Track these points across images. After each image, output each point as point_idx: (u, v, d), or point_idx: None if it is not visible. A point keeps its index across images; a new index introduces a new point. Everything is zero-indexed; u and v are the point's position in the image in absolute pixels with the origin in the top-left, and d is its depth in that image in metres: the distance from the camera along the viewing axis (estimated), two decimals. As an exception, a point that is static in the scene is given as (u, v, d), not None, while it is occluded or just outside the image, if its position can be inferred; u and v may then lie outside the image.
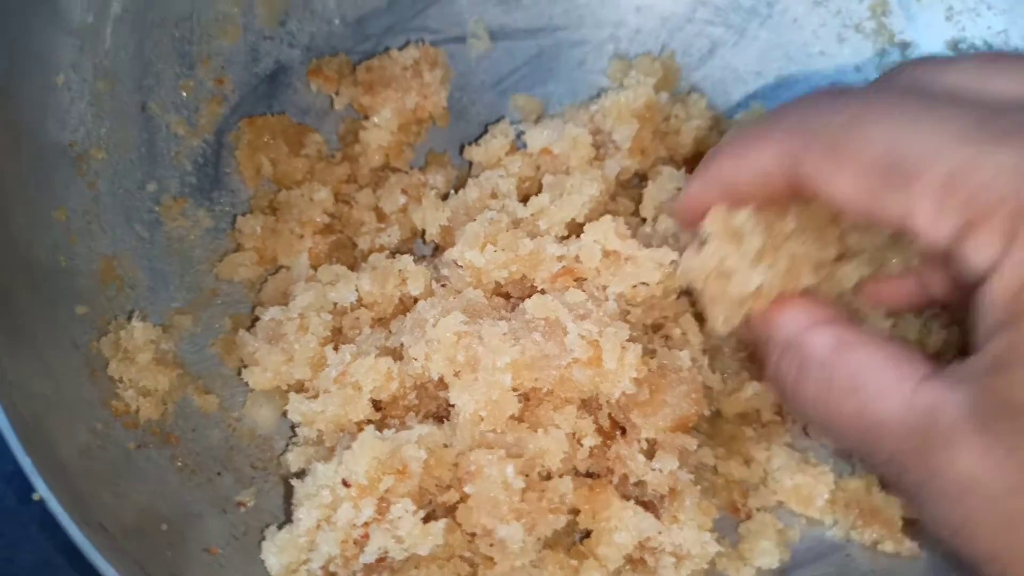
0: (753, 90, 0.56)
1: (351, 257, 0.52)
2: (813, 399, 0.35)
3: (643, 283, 0.44)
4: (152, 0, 0.49)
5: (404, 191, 0.52)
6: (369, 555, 0.38)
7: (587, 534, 0.44)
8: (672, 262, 0.43)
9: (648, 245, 0.45)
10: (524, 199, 0.49)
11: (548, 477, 0.43)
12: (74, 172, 0.46)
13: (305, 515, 0.39)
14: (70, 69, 0.46)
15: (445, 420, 0.44)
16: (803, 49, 0.55)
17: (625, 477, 0.43)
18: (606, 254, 0.44)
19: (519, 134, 0.54)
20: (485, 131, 0.55)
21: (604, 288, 0.44)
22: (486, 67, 0.57)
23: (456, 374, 0.42)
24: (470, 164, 0.55)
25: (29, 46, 0.44)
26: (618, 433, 0.44)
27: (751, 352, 0.47)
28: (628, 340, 0.41)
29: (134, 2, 0.48)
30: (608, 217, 0.45)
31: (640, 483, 0.43)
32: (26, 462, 0.36)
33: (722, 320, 0.39)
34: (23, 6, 0.43)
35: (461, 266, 0.46)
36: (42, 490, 0.36)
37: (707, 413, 0.45)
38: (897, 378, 0.32)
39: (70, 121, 0.46)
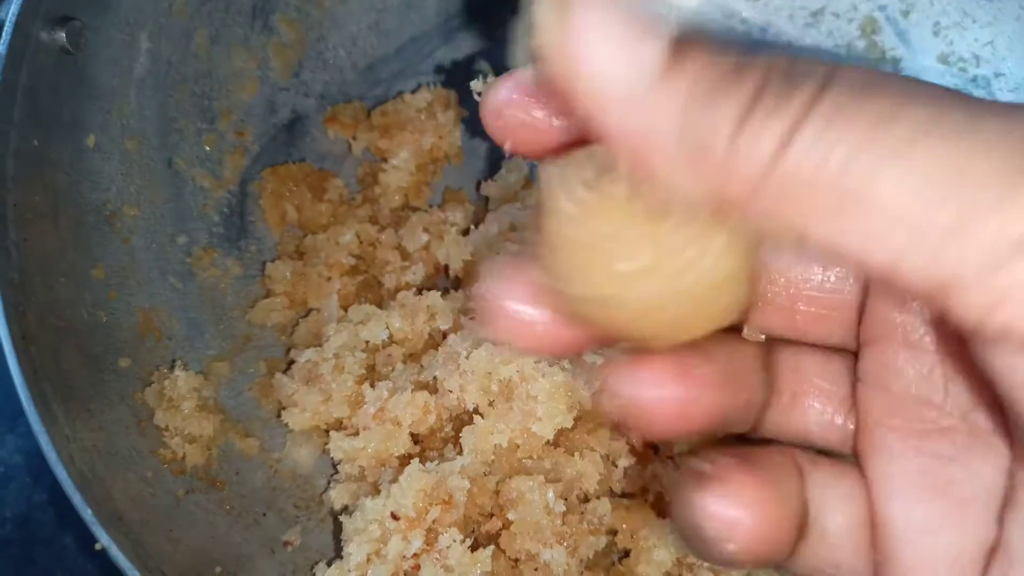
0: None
1: (378, 296, 0.53)
2: None
3: None
4: (172, 60, 0.50)
5: (425, 229, 0.53)
6: (420, 585, 0.40)
7: (626, 553, 0.45)
8: None
9: None
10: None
11: (586, 500, 0.44)
12: (108, 230, 0.47)
13: (355, 550, 0.40)
14: (99, 131, 0.48)
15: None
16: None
17: (660, 495, 0.45)
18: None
19: (531, 167, 0.56)
20: (499, 167, 0.57)
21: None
22: (495, 105, 0.59)
23: (491, 404, 0.43)
24: (487, 199, 0.56)
25: (60, 113, 0.46)
26: (652, 452, 0.45)
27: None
28: None
29: (155, 63, 0.50)
30: None
31: (675, 500, 0.45)
32: (87, 513, 0.37)
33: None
34: (53, 74, 0.45)
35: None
36: (104, 540, 0.37)
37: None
38: None
39: (102, 181, 0.47)
